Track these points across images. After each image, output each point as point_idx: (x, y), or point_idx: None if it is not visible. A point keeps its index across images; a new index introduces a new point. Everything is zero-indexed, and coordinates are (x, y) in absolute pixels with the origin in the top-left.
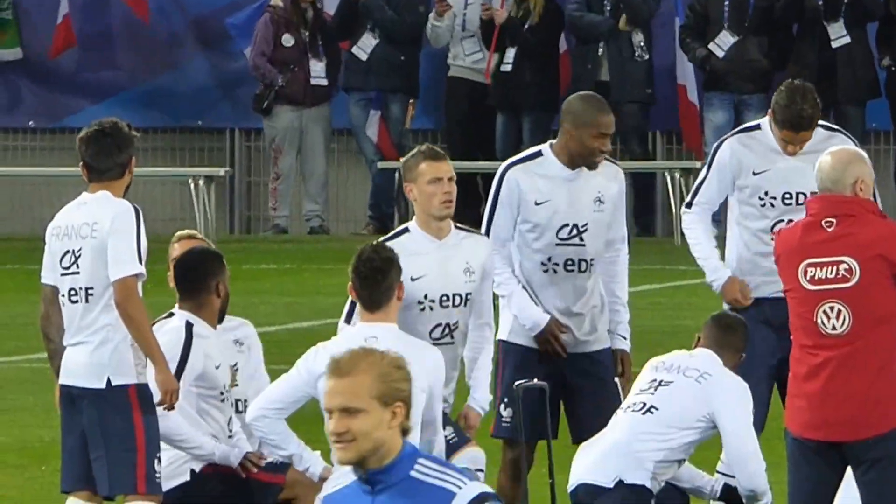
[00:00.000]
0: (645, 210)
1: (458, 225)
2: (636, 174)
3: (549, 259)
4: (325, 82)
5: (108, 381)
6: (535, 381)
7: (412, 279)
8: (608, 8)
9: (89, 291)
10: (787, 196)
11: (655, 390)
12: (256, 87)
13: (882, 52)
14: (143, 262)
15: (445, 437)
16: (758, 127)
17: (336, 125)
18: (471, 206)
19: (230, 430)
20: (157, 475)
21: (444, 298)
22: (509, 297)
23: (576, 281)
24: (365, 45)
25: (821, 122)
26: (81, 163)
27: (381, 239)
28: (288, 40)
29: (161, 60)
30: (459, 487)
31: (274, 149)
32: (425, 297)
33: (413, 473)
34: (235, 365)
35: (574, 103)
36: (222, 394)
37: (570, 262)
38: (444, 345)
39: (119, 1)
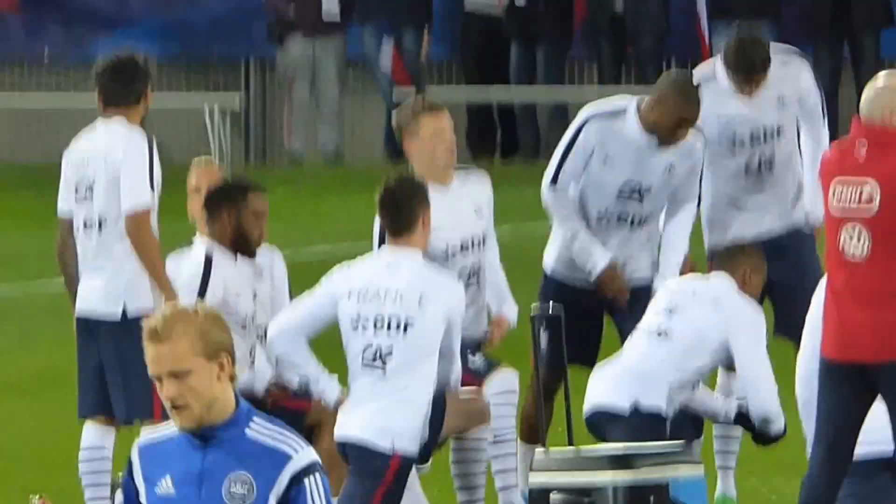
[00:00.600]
0: None
1: (455, 165)
2: None
3: (606, 210)
4: (336, 13)
5: (124, 310)
6: (551, 306)
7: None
8: None
9: (103, 220)
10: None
11: (670, 314)
12: (270, 17)
13: None
14: (156, 192)
15: (474, 363)
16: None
17: (351, 55)
18: (487, 136)
19: (252, 359)
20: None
21: (463, 244)
22: (573, 236)
23: (627, 234)
24: None
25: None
26: (97, 91)
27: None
28: None
29: None
30: (296, 451)
31: (288, 79)
32: (447, 245)
33: (248, 432)
34: (255, 293)
35: (670, 85)
36: (244, 323)
37: (623, 216)
38: (469, 288)
39: None
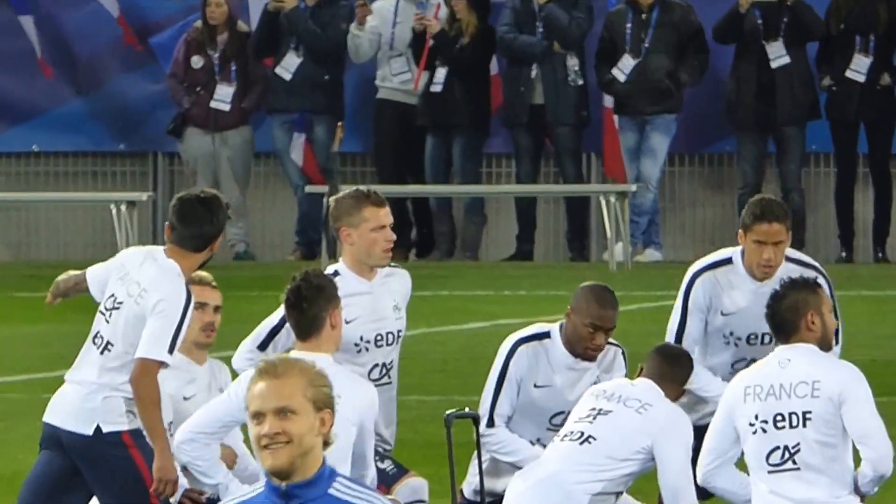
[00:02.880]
0: (579, 234)
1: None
2: (570, 198)
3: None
4: (226, 107)
5: (98, 429)
6: (467, 409)
7: (346, 322)
8: (540, 30)
9: (109, 346)
10: (753, 337)
11: (594, 419)
12: (176, 109)
13: (822, 73)
14: (176, 349)
15: (384, 469)
16: (729, 261)
17: (260, 148)
18: (401, 231)
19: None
20: None
21: (379, 338)
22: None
23: None
24: (288, 65)
25: (794, 256)
26: (168, 222)
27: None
28: (197, 62)
29: (83, 81)
30: None
31: (189, 174)
32: (361, 338)
33: (332, 491)
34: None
35: (582, 291)
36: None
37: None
38: (382, 385)
39: (42, 21)
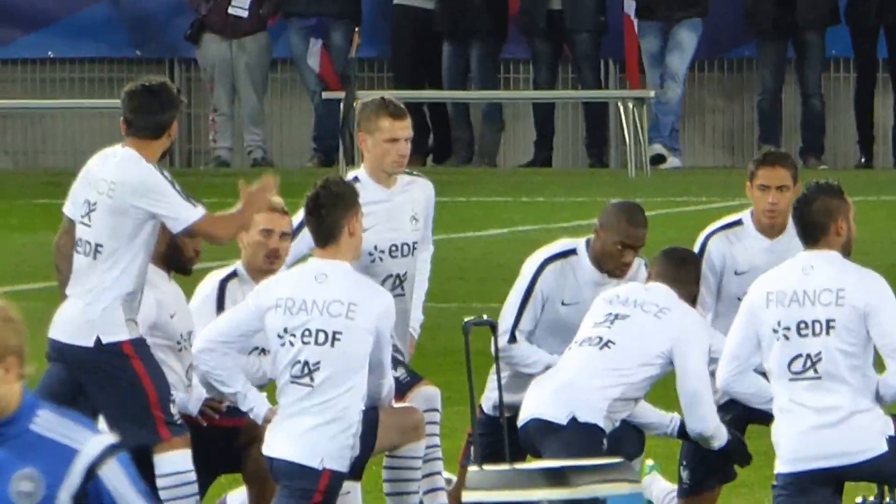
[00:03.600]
0: (598, 140)
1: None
2: (588, 104)
3: None
4: (244, 13)
5: (98, 340)
6: (485, 316)
7: (363, 229)
8: None
9: (98, 248)
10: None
11: (612, 324)
12: (193, 15)
13: None
14: (194, 201)
15: (398, 377)
16: (739, 222)
17: (277, 55)
18: (418, 138)
19: (188, 380)
20: (176, 417)
21: (394, 248)
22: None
23: None
24: None
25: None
26: (122, 117)
27: (323, 177)
28: None
29: None
30: (83, 444)
31: (208, 81)
32: (375, 248)
33: (32, 427)
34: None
35: (613, 209)
36: (179, 343)
37: None
38: (395, 297)
39: None
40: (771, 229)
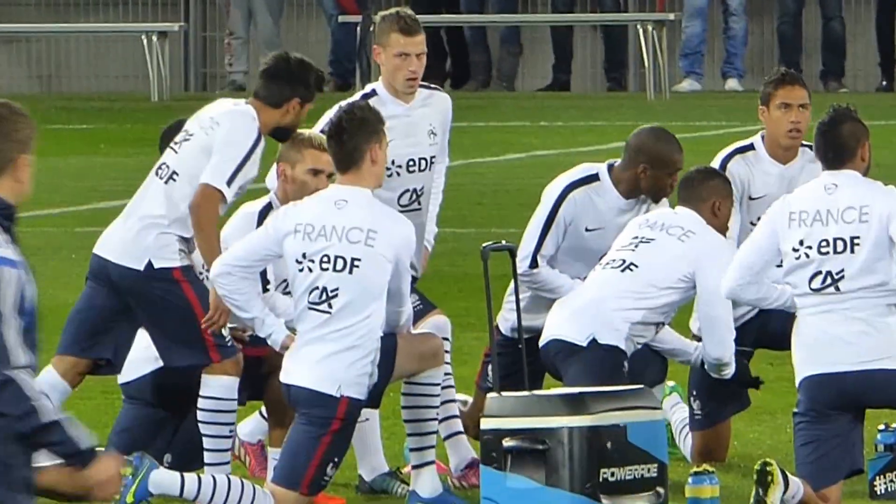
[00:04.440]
0: (617, 64)
1: (421, 83)
2: (608, 27)
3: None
4: None
5: (149, 264)
6: (504, 241)
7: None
8: None
9: (174, 176)
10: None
11: (636, 247)
12: None
13: None
14: (236, 189)
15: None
16: (751, 147)
17: None
18: (436, 61)
19: None
20: (227, 340)
21: (411, 163)
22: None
23: None
24: None
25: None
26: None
27: (347, 101)
28: None
29: None
30: None
31: (224, 3)
32: (392, 162)
33: None
34: None
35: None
36: (201, 273)
37: None
38: (411, 211)
39: None
40: (786, 153)
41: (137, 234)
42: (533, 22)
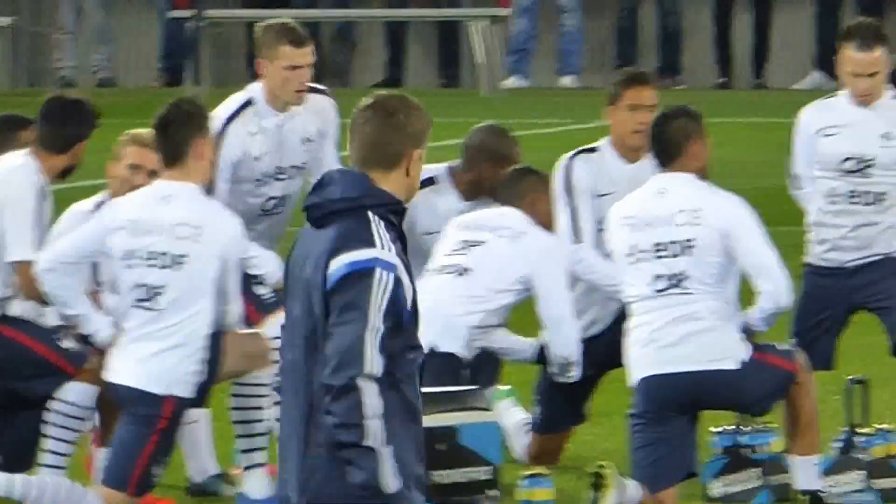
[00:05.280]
0: (451, 60)
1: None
2: (442, 22)
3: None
4: None
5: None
6: None
7: (254, 158)
8: None
9: None
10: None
11: (468, 251)
12: None
13: None
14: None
15: (261, 295)
16: (594, 149)
17: None
18: None
19: None
20: (73, 348)
21: (280, 172)
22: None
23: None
24: None
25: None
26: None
27: (229, 113)
28: None
29: None
30: None
31: None
32: (263, 174)
33: None
34: None
35: None
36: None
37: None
38: (273, 215)
39: None
40: (634, 153)
41: None
42: (367, 17)
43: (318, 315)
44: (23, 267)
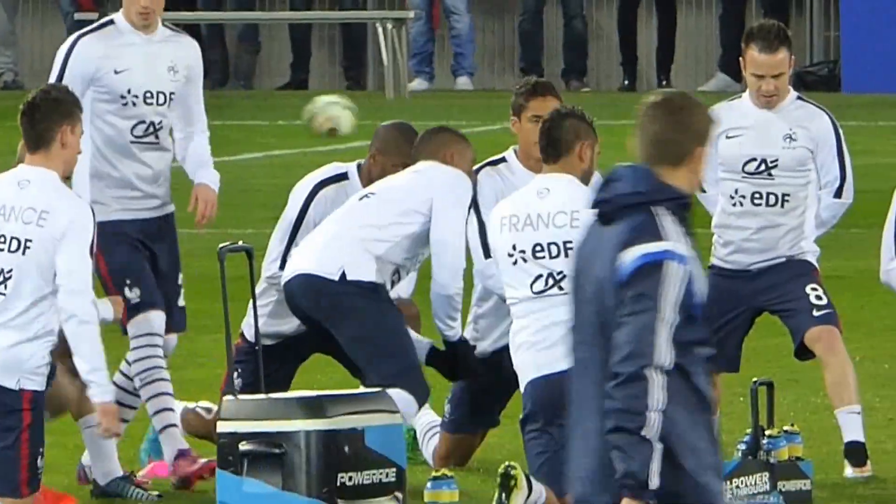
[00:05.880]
0: (355, 63)
1: (165, 23)
2: (347, 25)
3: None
4: None
5: None
6: (241, 242)
7: (116, 72)
8: None
9: None
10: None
11: (373, 186)
12: None
13: None
14: None
15: (129, 298)
16: (503, 160)
17: None
18: None
19: None
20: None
21: (148, 95)
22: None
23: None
24: None
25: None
26: None
27: (83, 30)
28: None
29: None
30: None
31: None
32: (129, 91)
33: None
34: None
35: None
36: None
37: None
38: (147, 145)
39: None
40: (538, 163)
41: None
42: (271, 19)
43: (610, 308)
44: None
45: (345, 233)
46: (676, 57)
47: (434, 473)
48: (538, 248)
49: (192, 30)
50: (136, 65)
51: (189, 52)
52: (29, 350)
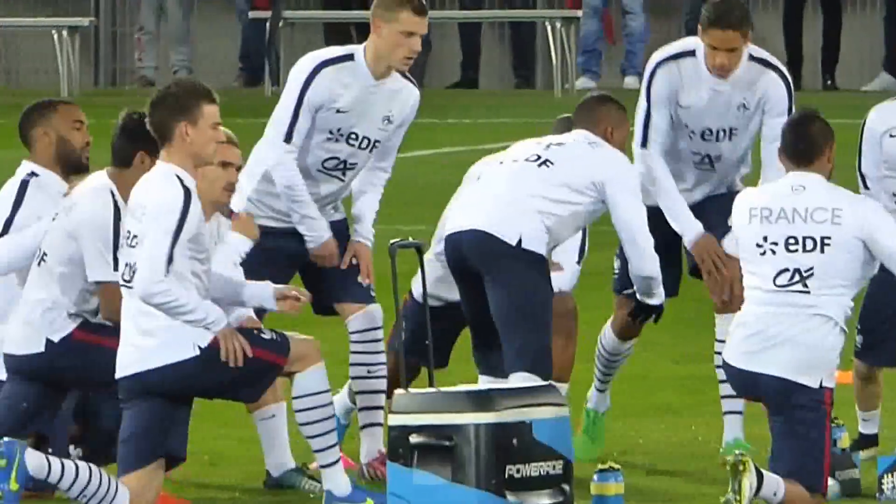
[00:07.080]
0: (525, 61)
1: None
2: (516, 24)
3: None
4: None
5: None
6: (410, 238)
7: (337, 111)
8: None
9: (45, 257)
10: (707, 132)
11: (547, 148)
12: None
13: None
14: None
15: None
16: (692, 53)
17: None
18: None
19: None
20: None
21: (353, 136)
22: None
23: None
24: None
25: (757, 55)
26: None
27: (325, 57)
28: None
29: None
30: None
31: None
32: (338, 130)
33: None
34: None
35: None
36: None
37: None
38: (331, 177)
39: None
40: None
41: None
42: (441, 18)
43: None
44: (106, 288)
45: (522, 199)
46: (841, 57)
47: (600, 466)
48: (791, 240)
49: (365, 29)
50: (355, 109)
51: (409, 101)
52: None
